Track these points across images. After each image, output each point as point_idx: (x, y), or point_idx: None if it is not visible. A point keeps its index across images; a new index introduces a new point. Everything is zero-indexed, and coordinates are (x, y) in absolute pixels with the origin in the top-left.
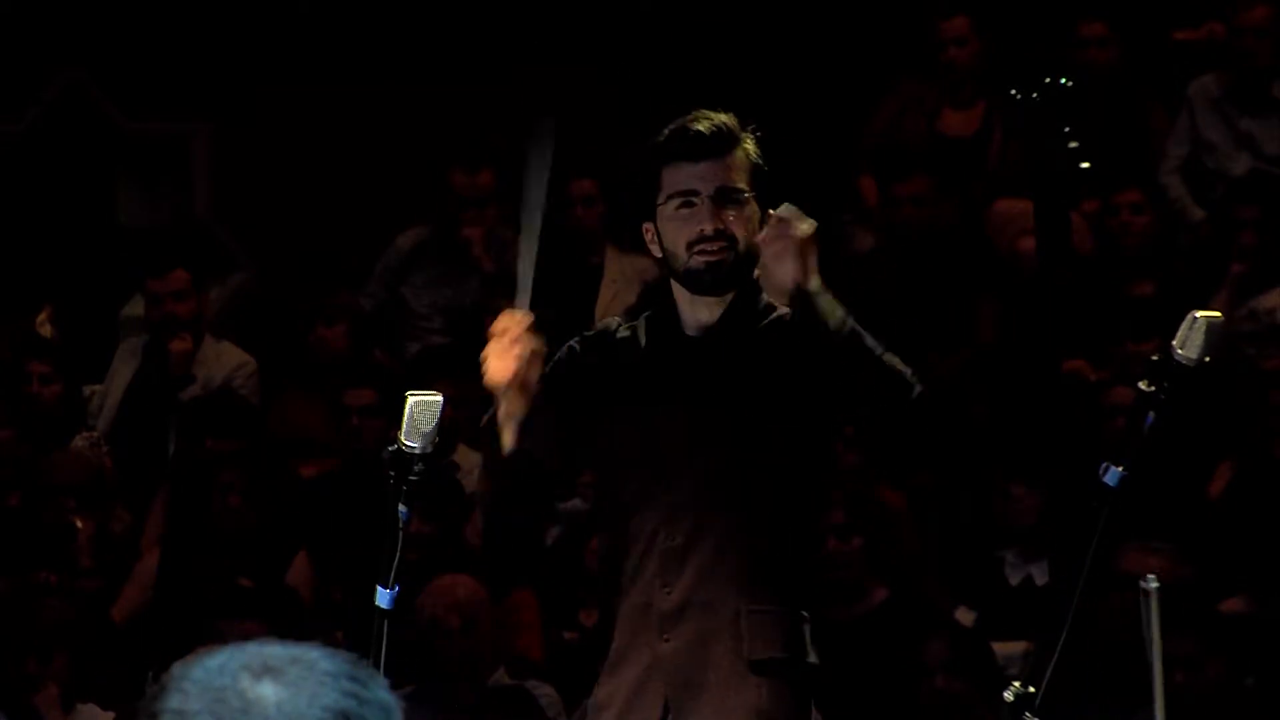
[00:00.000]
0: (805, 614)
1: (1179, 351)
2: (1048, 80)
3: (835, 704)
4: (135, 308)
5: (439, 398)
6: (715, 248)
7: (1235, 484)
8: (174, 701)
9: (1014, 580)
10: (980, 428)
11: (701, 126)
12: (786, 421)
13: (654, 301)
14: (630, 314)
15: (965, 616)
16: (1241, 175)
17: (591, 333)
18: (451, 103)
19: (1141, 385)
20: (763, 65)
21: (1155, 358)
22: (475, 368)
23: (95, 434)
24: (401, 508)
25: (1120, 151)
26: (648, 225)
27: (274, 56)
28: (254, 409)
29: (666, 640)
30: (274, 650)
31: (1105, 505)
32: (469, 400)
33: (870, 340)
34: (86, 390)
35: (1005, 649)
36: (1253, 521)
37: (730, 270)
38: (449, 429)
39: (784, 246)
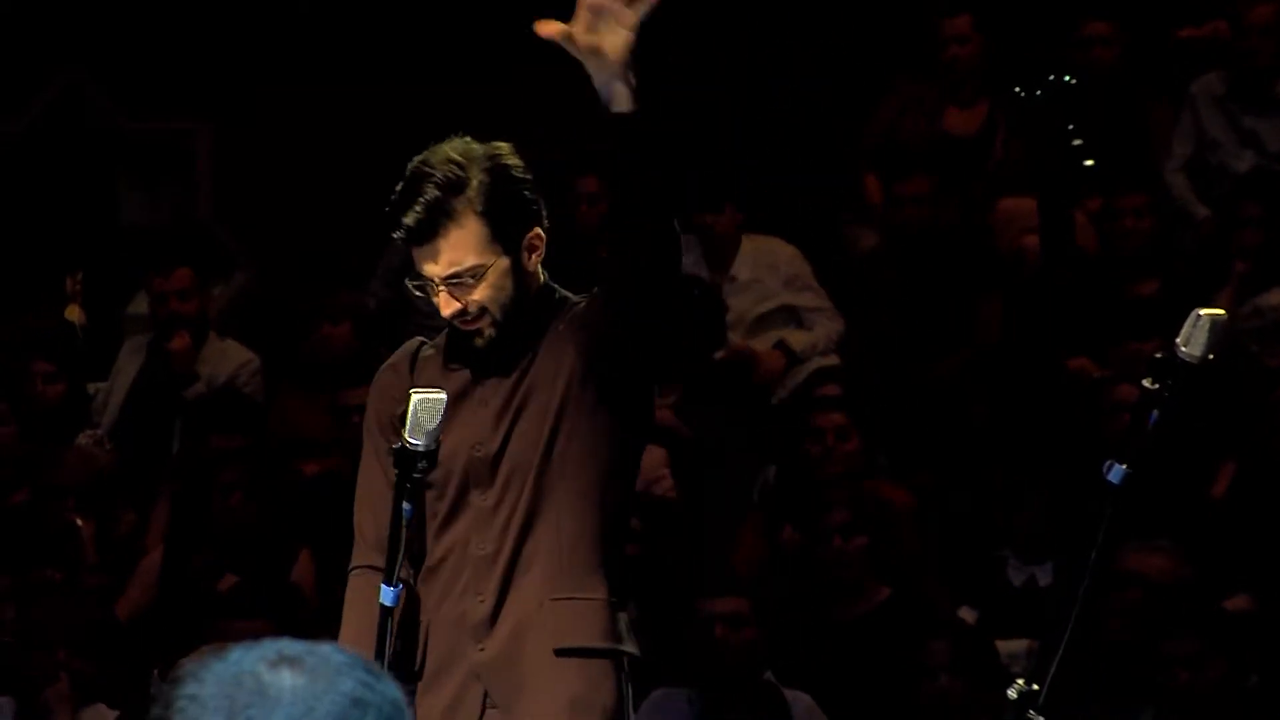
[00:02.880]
0: (615, 600)
1: (1183, 349)
2: (1051, 79)
3: (839, 703)
4: (139, 306)
5: (443, 395)
6: (467, 325)
7: (1239, 482)
8: (190, 689)
9: (1017, 582)
10: (981, 427)
11: (409, 218)
12: (571, 409)
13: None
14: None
15: (968, 616)
16: (1245, 173)
17: (394, 360)
18: (452, 102)
19: (1145, 383)
20: (764, 63)
21: (1159, 356)
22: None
23: (99, 432)
24: (405, 505)
25: (1123, 150)
26: None
27: (275, 56)
28: (258, 407)
29: (482, 649)
30: (289, 644)
31: (1109, 503)
32: None
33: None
34: (90, 388)
35: (1009, 647)
36: (1256, 520)
37: (498, 327)
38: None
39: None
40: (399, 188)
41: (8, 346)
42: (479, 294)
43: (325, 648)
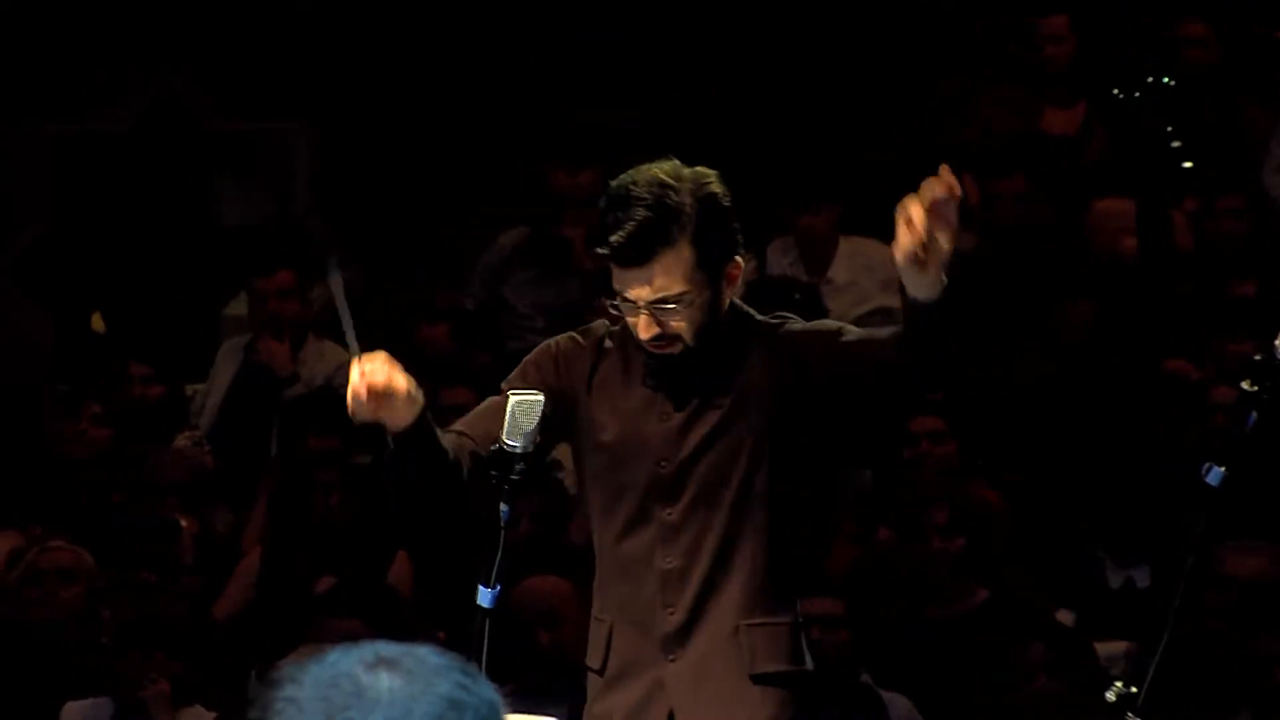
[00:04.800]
0: (801, 620)
1: None
2: (1149, 80)
3: (936, 705)
4: (237, 307)
5: (540, 397)
6: (662, 347)
7: None
8: (288, 691)
9: (1115, 584)
10: (1076, 429)
11: (621, 234)
12: (776, 432)
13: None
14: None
15: (1065, 618)
16: None
17: (580, 334)
18: (553, 102)
19: (1244, 385)
20: (848, 62)
21: (1257, 357)
22: None
23: (197, 433)
24: (503, 507)
25: (1221, 151)
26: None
27: (374, 57)
28: None
29: (672, 660)
30: (386, 646)
31: (1207, 505)
32: None
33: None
34: (189, 390)
35: (1107, 649)
36: None
37: (688, 351)
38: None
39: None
40: (607, 206)
41: (107, 348)
42: (679, 320)
43: (422, 650)
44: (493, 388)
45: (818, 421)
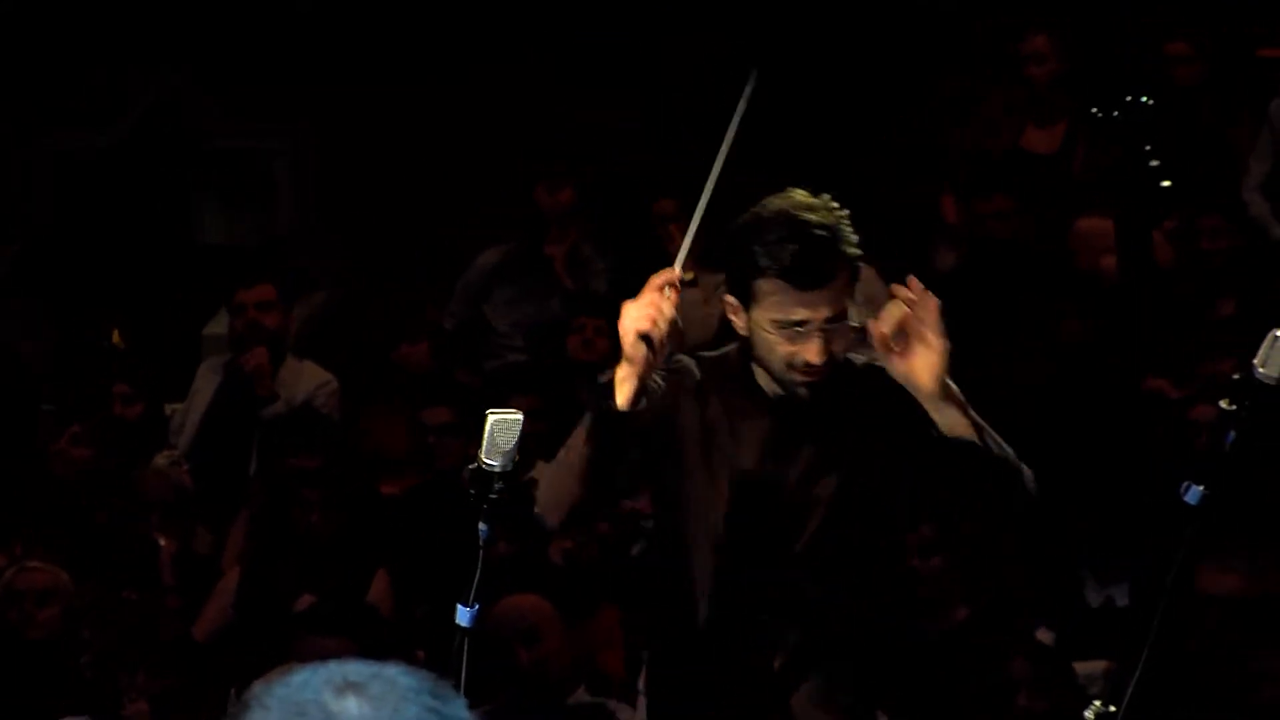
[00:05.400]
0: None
1: (1260, 370)
2: (1129, 99)
3: None
4: (217, 326)
5: (519, 416)
6: (812, 375)
7: None
8: (255, 716)
9: (1094, 602)
10: (1058, 445)
11: (801, 262)
12: (883, 488)
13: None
14: (697, 356)
15: (1045, 636)
16: None
17: (679, 369)
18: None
19: (1223, 404)
20: (841, 77)
21: (1237, 376)
22: (555, 385)
23: (176, 452)
24: (482, 526)
25: (1203, 170)
26: (731, 299)
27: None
28: (335, 427)
29: (767, 701)
30: (355, 667)
31: (1187, 524)
32: (549, 418)
33: (991, 437)
34: (168, 409)
35: (1086, 667)
36: None
37: (815, 385)
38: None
39: (925, 334)
40: (779, 232)
41: (87, 368)
42: (839, 343)
43: (392, 670)
44: (474, 407)
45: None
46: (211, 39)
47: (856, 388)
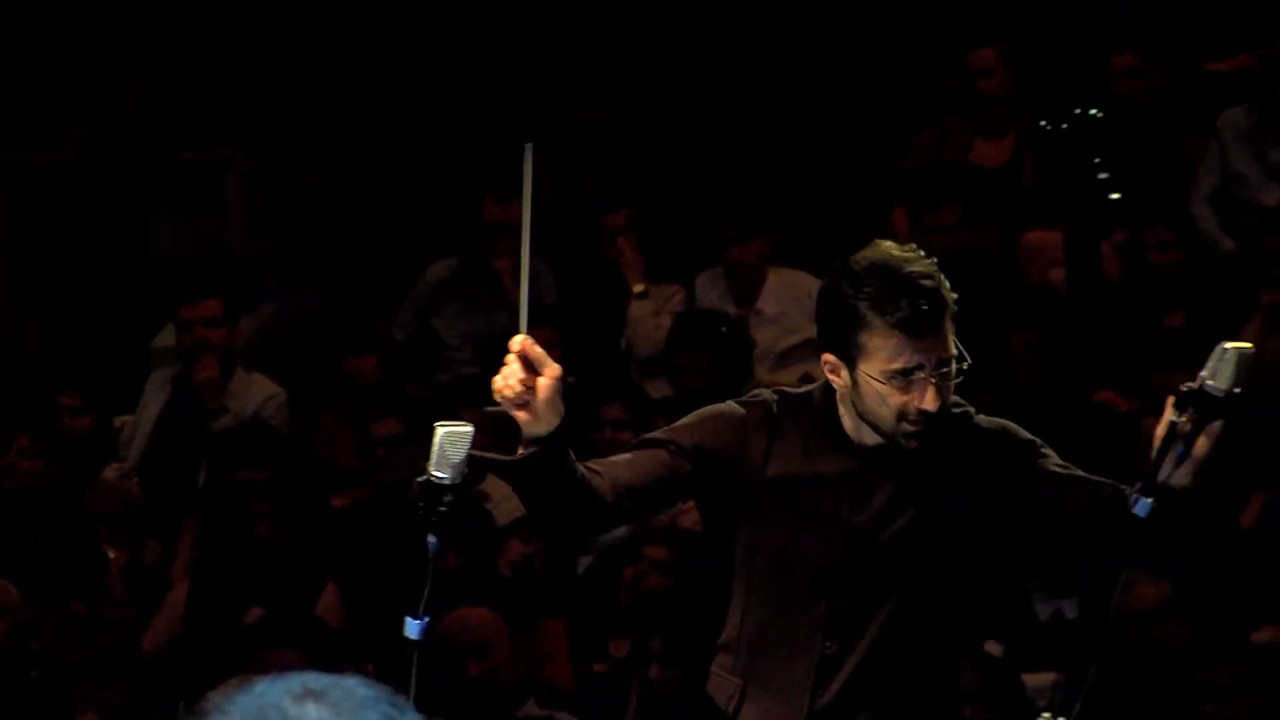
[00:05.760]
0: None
1: (1209, 382)
2: (1077, 111)
3: None
4: (166, 338)
5: (469, 428)
6: (919, 425)
7: (1268, 514)
8: None
9: (1043, 615)
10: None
11: (919, 310)
12: (966, 543)
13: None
14: (779, 391)
15: (994, 649)
16: (1272, 206)
17: (750, 405)
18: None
19: (1171, 416)
20: (795, 94)
21: (1184, 388)
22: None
23: (126, 465)
24: (431, 538)
25: (1151, 182)
26: (830, 357)
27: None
28: (284, 439)
29: None
30: (314, 677)
31: (1135, 536)
32: (498, 430)
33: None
34: (117, 421)
35: (1035, 680)
36: None
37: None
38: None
39: None
40: (886, 284)
41: (36, 380)
42: (949, 390)
43: (350, 681)
44: (423, 419)
45: (1013, 533)
46: (169, 47)
47: (953, 436)
